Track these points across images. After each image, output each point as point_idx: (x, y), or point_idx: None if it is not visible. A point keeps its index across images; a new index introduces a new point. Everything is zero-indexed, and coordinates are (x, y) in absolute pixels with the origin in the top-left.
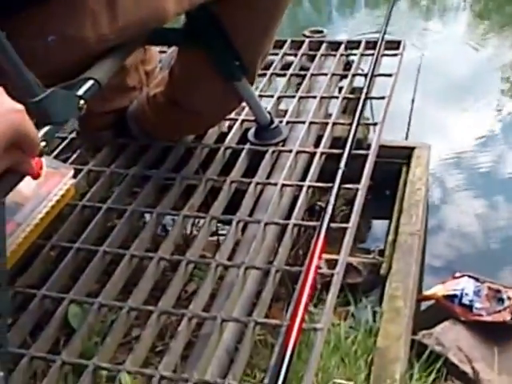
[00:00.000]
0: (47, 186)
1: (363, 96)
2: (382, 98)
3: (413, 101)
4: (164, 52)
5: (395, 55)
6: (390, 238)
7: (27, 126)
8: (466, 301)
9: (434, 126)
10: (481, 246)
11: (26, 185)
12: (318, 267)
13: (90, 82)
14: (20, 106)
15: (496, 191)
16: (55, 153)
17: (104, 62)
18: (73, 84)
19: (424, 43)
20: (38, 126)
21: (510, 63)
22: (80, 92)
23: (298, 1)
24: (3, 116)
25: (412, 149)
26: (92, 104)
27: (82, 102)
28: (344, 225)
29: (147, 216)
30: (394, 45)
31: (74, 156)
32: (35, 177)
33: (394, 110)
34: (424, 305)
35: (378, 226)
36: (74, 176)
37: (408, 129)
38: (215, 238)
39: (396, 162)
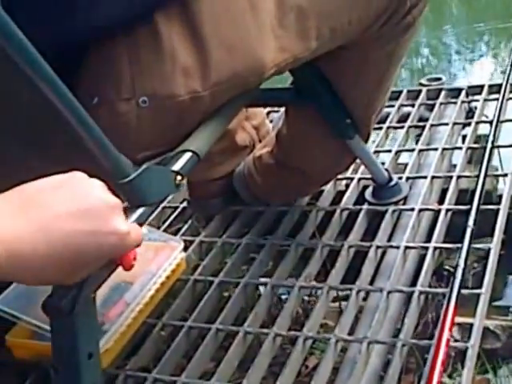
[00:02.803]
0: (157, 262)
1: (489, 145)
2: (511, 146)
3: None
4: (276, 111)
5: None
6: None
7: (127, 247)
8: None
9: None
10: None
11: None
12: (450, 340)
13: (188, 155)
14: (125, 228)
15: None
16: (166, 224)
17: (202, 130)
18: (167, 158)
19: None
20: (131, 207)
21: None
22: (176, 167)
23: (415, 49)
24: (102, 237)
25: None
26: (202, 171)
27: (179, 177)
28: (477, 291)
29: (261, 287)
30: None
31: (186, 227)
32: (128, 269)
33: None
34: None
35: None
36: (186, 248)
37: None
38: (337, 304)
39: None
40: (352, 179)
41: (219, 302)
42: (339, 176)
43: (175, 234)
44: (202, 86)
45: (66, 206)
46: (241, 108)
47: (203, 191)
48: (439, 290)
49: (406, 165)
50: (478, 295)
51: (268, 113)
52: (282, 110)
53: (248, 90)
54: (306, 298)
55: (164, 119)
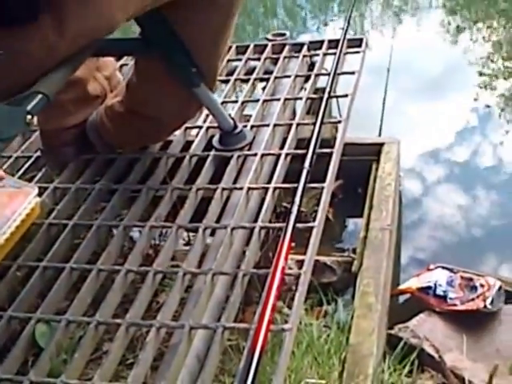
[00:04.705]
0: (11, 207)
1: (326, 95)
2: (345, 95)
3: (384, 99)
4: (126, 65)
5: (357, 52)
6: (361, 234)
7: None
8: (440, 291)
9: (411, 123)
10: (463, 237)
11: None
12: (286, 267)
13: (38, 97)
14: None
15: (474, 182)
16: (20, 172)
17: (52, 74)
18: (19, 99)
19: (398, 41)
20: None
21: (483, 57)
22: (28, 107)
23: (272, 8)
24: None
25: (381, 145)
26: (55, 119)
27: (29, 117)
28: (310, 224)
29: (114, 229)
30: (357, 43)
31: (40, 174)
32: None
33: (371, 108)
34: (402, 299)
35: (355, 224)
36: (40, 194)
37: (381, 126)
38: (188, 247)
39: (366, 159)
40: (201, 128)
41: (73, 243)
42: (189, 125)
43: (29, 181)
44: (59, 42)
45: None
46: (89, 54)
47: (56, 140)
48: (277, 225)
49: (251, 115)
50: (312, 228)
51: (120, 66)
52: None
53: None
54: (157, 237)
55: (21, 70)
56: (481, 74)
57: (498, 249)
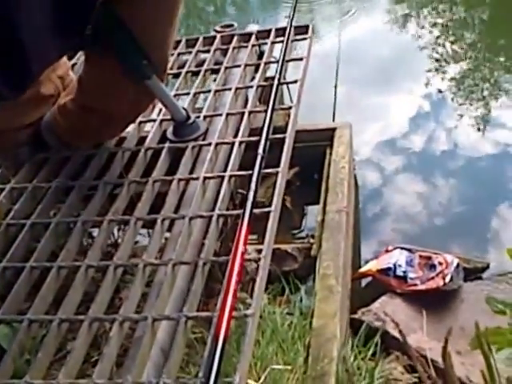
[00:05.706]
0: None
1: (276, 82)
2: (295, 81)
3: (335, 86)
4: (76, 64)
5: (304, 39)
6: (319, 218)
7: None
8: (399, 272)
9: (365, 112)
10: (424, 222)
11: None
12: (245, 253)
13: None
14: None
15: (430, 168)
16: None
17: None
18: None
19: (347, 30)
20: None
21: (431, 42)
22: None
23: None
24: None
25: (333, 129)
26: (9, 118)
27: None
28: (267, 209)
29: (72, 225)
30: (303, 30)
31: None
32: None
33: (325, 100)
34: (364, 283)
35: (314, 212)
36: None
37: (334, 112)
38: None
39: (320, 144)
40: (155, 121)
41: (32, 243)
42: (143, 119)
43: None
44: None
45: None
46: None
47: (11, 141)
48: (234, 212)
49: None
50: (268, 213)
51: (72, 66)
52: (81, 60)
53: None
54: (116, 233)
55: None
56: (431, 58)
57: (457, 233)
